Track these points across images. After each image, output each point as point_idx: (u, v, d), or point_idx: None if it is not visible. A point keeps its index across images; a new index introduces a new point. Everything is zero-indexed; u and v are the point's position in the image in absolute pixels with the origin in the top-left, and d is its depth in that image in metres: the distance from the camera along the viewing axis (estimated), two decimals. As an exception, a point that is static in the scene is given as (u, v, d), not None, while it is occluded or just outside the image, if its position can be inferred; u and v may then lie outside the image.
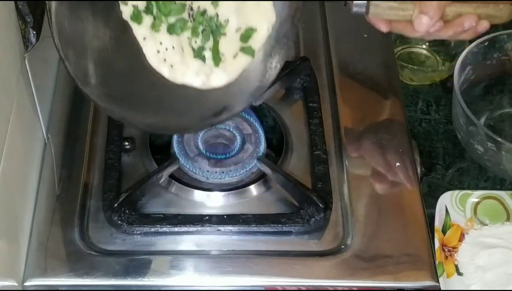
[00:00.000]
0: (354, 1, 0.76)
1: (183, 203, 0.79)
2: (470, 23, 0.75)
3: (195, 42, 0.71)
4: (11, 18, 0.71)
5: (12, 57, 0.72)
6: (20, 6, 0.73)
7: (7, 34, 0.71)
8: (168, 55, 0.71)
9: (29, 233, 0.75)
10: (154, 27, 0.70)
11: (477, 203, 0.86)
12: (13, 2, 0.71)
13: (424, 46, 1.05)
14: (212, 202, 0.80)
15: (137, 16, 0.70)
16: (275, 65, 0.74)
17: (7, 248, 0.71)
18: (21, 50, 0.74)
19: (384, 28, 0.78)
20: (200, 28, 0.71)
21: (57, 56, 0.87)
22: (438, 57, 1.04)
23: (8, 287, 0.71)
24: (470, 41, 0.96)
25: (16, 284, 0.72)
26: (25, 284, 0.73)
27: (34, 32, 0.76)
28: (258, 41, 0.72)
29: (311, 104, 0.86)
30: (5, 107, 0.70)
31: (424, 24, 0.75)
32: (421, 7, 0.74)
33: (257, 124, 0.83)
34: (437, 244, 0.82)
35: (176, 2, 0.71)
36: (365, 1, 0.76)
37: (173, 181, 0.80)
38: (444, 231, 0.84)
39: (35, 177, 0.79)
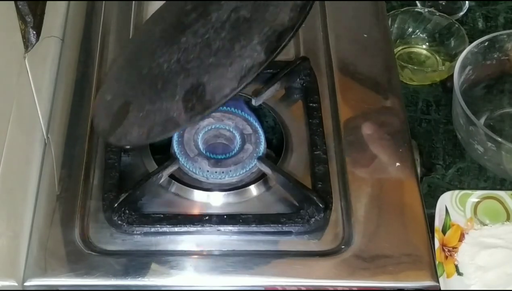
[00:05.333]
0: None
1: (183, 203, 0.79)
2: None
3: None
4: (11, 18, 0.71)
5: (12, 57, 0.72)
6: (20, 6, 0.73)
7: (7, 34, 0.71)
8: None
9: (29, 233, 0.75)
10: None
11: (477, 203, 0.86)
12: (13, 2, 0.71)
13: (424, 46, 1.05)
14: (212, 202, 0.80)
15: None
16: None
17: (7, 248, 0.71)
18: (21, 50, 0.74)
19: None
20: None
21: (57, 55, 0.88)
22: (438, 57, 1.04)
23: (8, 287, 0.71)
24: (470, 41, 0.97)
25: (16, 284, 0.72)
26: (25, 284, 0.72)
27: (34, 32, 0.76)
28: None
29: (311, 104, 0.86)
30: (5, 107, 0.70)
31: None
32: None
33: (257, 124, 0.83)
34: (437, 244, 0.82)
35: None
36: None
37: (173, 181, 0.80)
38: (444, 231, 0.84)
39: (35, 177, 0.79)
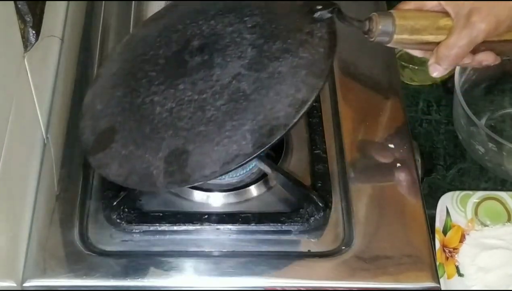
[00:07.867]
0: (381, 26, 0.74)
1: (183, 204, 0.79)
2: (489, 62, 0.75)
3: None
4: (10, 17, 0.71)
5: (12, 57, 0.72)
6: (19, 6, 0.73)
7: (6, 33, 0.71)
8: None
9: (28, 233, 0.75)
10: None
11: (478, 204, 0.86)
12: (12, 2, 0.71)
13: (425, 47, 1.05)
14: (212, 202, 0.79)
15: None
16: None
17: (6, 248, 0.71)
18: (20, 49, 0.74)
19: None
20: None
21: (57, 55, 0.88)
22: (439, 58, 1.04)
23: (7, 287, 0.71)
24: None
25: (15, 284, 0.72)
26: (24, 284, 0.72)
27: (34, 32, 0.76)
28: None
29: (311, 103, 0.86)
30: (4, 107, 0.70)
31: (437, 73, 0.74)
32: (437, 59, 0.73)
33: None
34: (437, 245, 0.82)
35: None
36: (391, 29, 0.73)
37: (173, 181, 0.80)
38: (444, 232, 0.84)
39: (34, 177, 0.79)
